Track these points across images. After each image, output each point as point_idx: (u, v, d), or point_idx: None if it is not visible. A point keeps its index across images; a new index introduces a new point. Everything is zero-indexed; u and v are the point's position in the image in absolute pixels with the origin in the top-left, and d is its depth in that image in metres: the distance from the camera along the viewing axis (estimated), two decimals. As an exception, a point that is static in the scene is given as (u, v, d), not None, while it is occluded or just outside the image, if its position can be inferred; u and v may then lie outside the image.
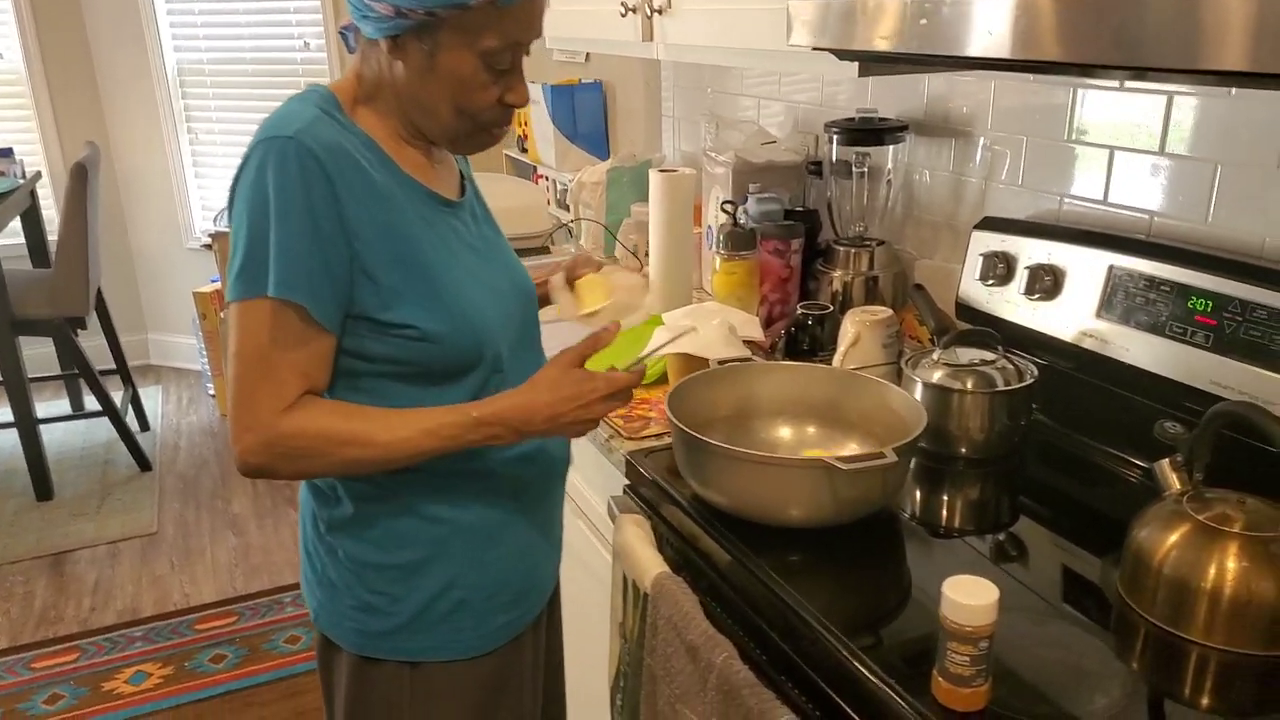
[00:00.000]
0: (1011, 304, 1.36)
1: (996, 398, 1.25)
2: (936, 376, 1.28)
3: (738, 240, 1.66)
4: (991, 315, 1.40)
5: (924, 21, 0.94)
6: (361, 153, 0.97)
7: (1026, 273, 1.32)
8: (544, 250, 2.19)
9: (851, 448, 1.21)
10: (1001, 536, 1.10)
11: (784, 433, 1.26)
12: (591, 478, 1.54)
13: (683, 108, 2.42)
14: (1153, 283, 1.18)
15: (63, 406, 3.99)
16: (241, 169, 0.94)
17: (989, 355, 1.30)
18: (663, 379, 1.54)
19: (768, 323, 1.69)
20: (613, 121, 2.78)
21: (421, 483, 1.03)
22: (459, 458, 1.02)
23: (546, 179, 2.79)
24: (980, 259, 1.40)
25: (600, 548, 1.51)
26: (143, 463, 3.50)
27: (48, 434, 3.60)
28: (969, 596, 0.77)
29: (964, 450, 1.26)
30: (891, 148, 1.67)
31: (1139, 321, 1.18)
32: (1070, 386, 1.28)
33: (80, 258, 3.27)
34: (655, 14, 1.67)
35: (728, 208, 1.74)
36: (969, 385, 1.26)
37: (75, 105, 4.12)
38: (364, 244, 0.95)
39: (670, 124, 2.49)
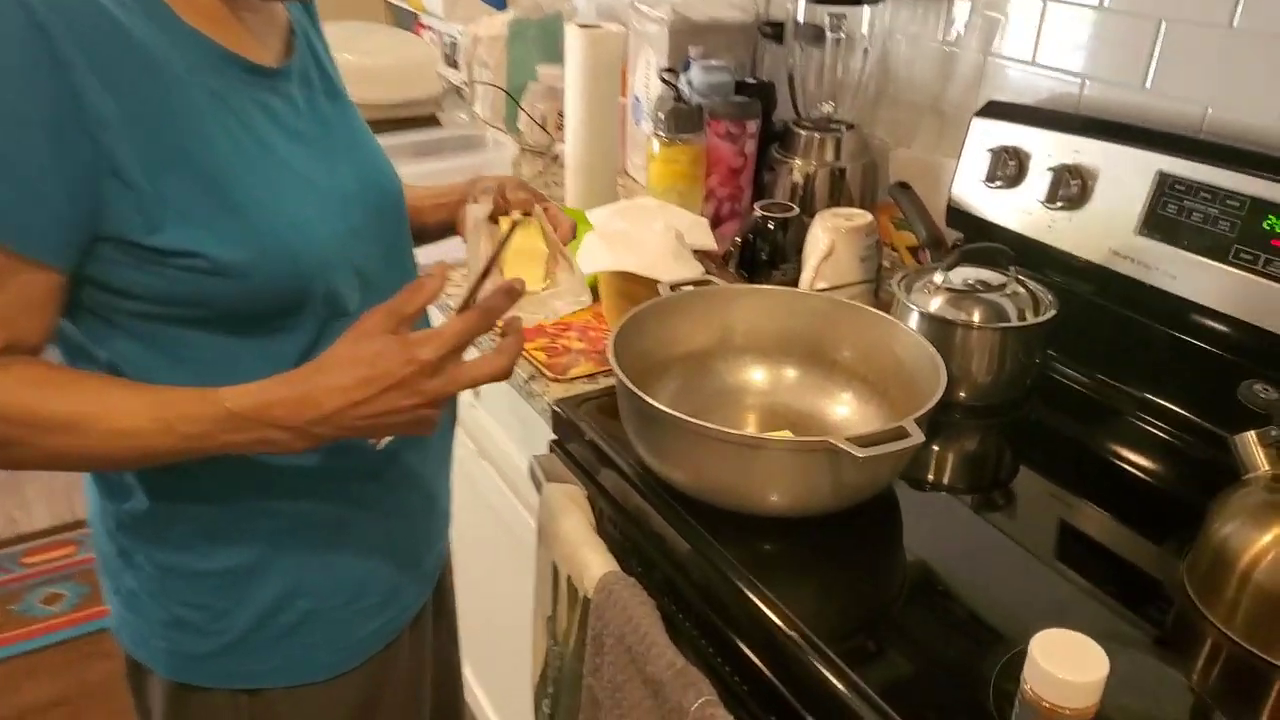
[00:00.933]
0: (1024, 213, 1.12)
1: (1009, 334, 1.02)
2: (936, 305, 1.04)
3: (682, 120, 1.35)
4: (995, 225, 1.15)
5: None
6: None
7: (1050, 176, 1.07)
8: (431, 121, 1.83)
9: (845, 400, 0.97)
10: (1020, 509, 0.88)
11: (756, 376, 1.01)
12: (508, 423, 1.27)
13: (602, -50, 2.03)
14: (1215, 194, 0.94)
15: None
16: None
17: (996, 277, 1.06)
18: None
19: (715, 223, 1.41)
20: (515, -36, 2.35)
21: (237, 464, 0.74)
22: None
23: (431, 31, 2.36)
24: (988, 155, 1.14)
25: (521, 509, 1.25)
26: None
27: None
28: (1072, 668, 0.55)
29: (963, 395, 1.03)
30: (868, 8, 1.37)
31: (1194, 243, 0.95)
32: (1097, 320, 1.06)
33: None
34: None
35: (668, 77, 1.42)
36: (975, 318, 1.02)
37: None
38: (115, 135, 0.62)
39: (586, -30, 2.10)
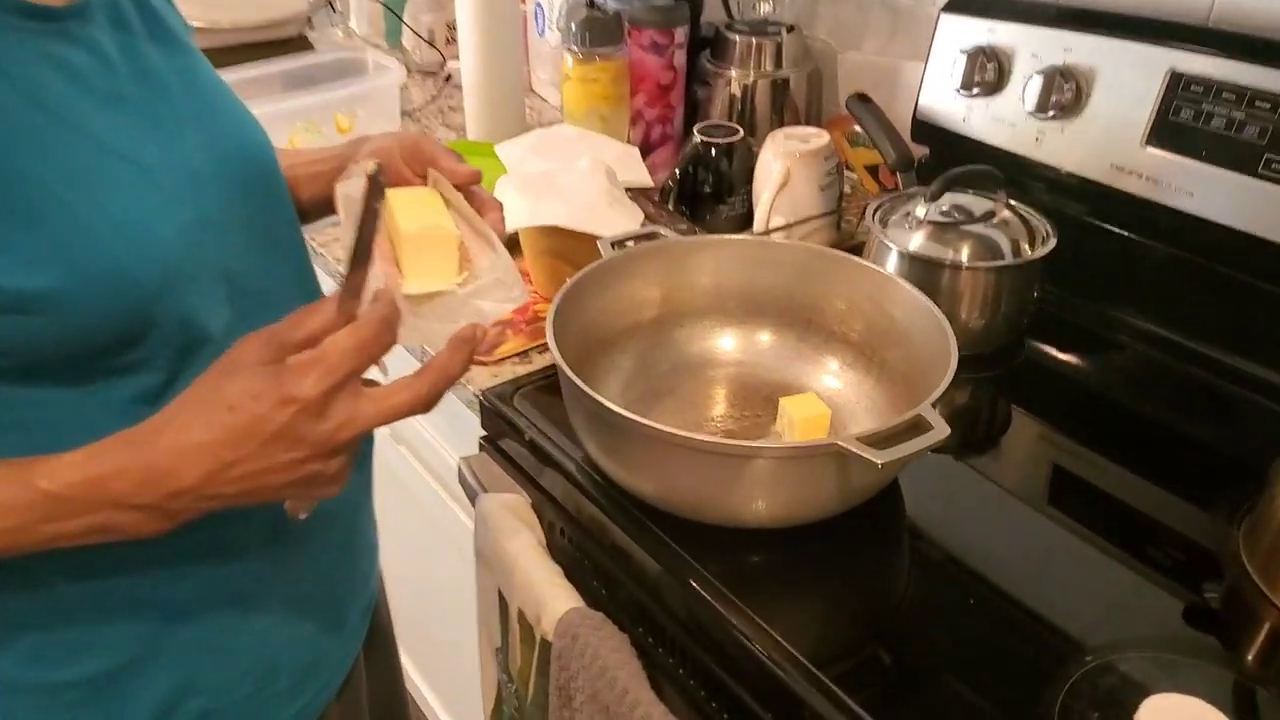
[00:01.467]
0: (1007, 124, 0.97)
1: (1005, 273, 0.88)
2: (918, 242, 0.89)
3: (599, 31, 1.15)
4: (971, 139, 1.01)
5: None
6: None
7: (1037, 80, 0.92)
8: (299, 44, 1.56)
9: (832, 369, 0.82)
10: (1039, 475, 0.76)
11: (724, 343, 0.85)
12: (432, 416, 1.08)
13: None
14: (1241, 95, 0.81)
15: None
16: None
17: (982, 204, 0.91)
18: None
19: (645, 151, 1.23)
20: None
21: (93, 551, 0.55)
22: None
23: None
24: (960, 57, 0.98)
25: (454, 508, 1.08)
26: None
27: None
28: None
29: (954, 343, 0.90)
30: (802, -113, 1.18)
31: (1214, 153, 0.82)
32: (1097, 247, 0.93)
33: None
34: None
35: (577, -19, 1.21)
36: (965, 255, 0.88)
37: None
38: None
39: None
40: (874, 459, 0.58)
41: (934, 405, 0.63)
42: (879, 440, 0.60)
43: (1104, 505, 0.74)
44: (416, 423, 1.09)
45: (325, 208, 0.70)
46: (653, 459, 0.67)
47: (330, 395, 0.49)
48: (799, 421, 0.70)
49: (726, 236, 0.88)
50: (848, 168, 1.19)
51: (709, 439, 0.60)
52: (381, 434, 1.17)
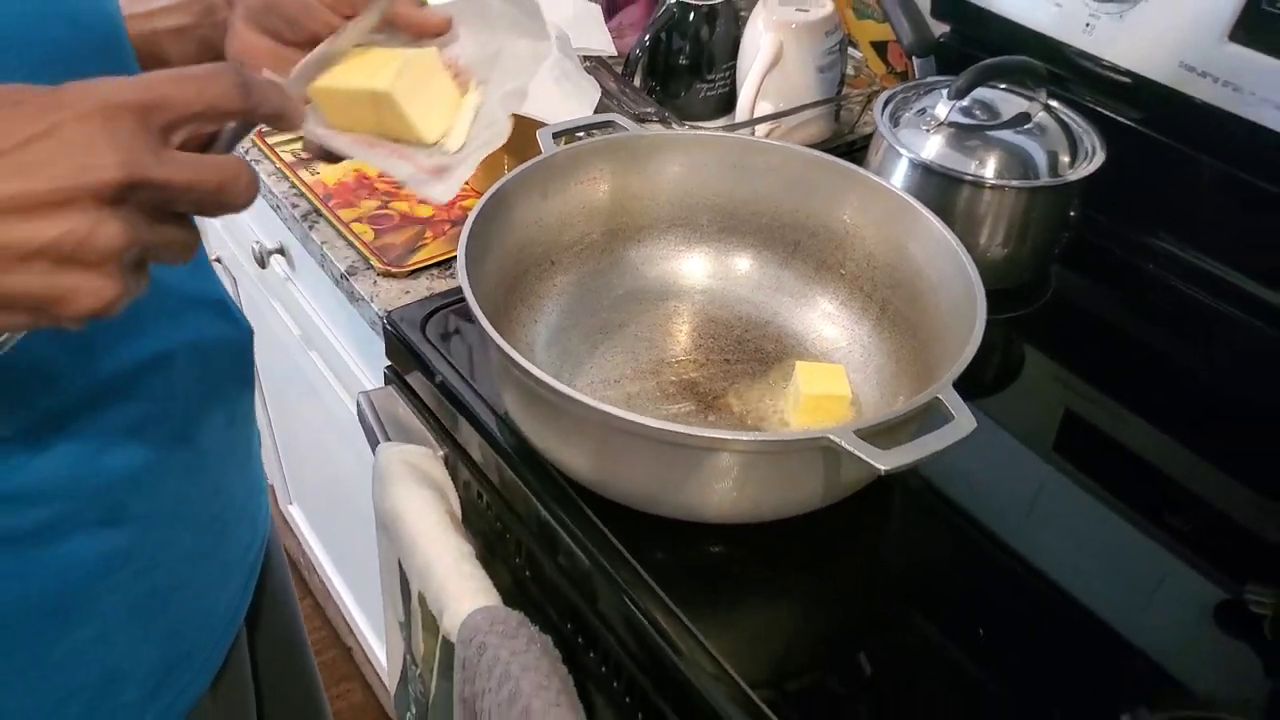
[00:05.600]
0: (1051, 5, 0.78)
1: (1038, 196, 0.72)
2: (935, 149, 0.72)
3: None
4: (1006, 20, 0.82)
5: None
6: None
7: (1100, -52, 0.73)
8: None
9: (824, 309, 0.66)
10: (1070, 444, 0.63)
11: (691, 268, 0.69)
12: (337, 319, 0.91)
13: None
14: (1362, -15, 0.63)
15: None
16: None
17: (1016, 103, 0.74)
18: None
19: (610, 11, 1.02)
20: None
21: None
22: None
23: None
24: (1004, -86, 0.79)
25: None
26: None
27: None
28: None
29: (967, 273, 0.74)
30: None
31: (1317, 59, 0.65)
32: (1151, 165, 0.76)
33: None
34: None
35: None
36: (990, 170, 0.71)
37: None
38: None
39: None
40: (877, 465, 0.44)
41: (952, 383, 0.48)
42: (884, 436, 0.45)
43: (1138, 473, 0.60)
44: (327, 331, 0.93)
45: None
46: (590, 439, 0.51)
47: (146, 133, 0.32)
48: (806, 400, 0.56)
49: (700, 132, 0.70)
50: (851, 44, 1.00)
51: (662, 425, 0.45)
52: (291, 336, 1.01)
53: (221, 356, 0.54)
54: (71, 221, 0.30)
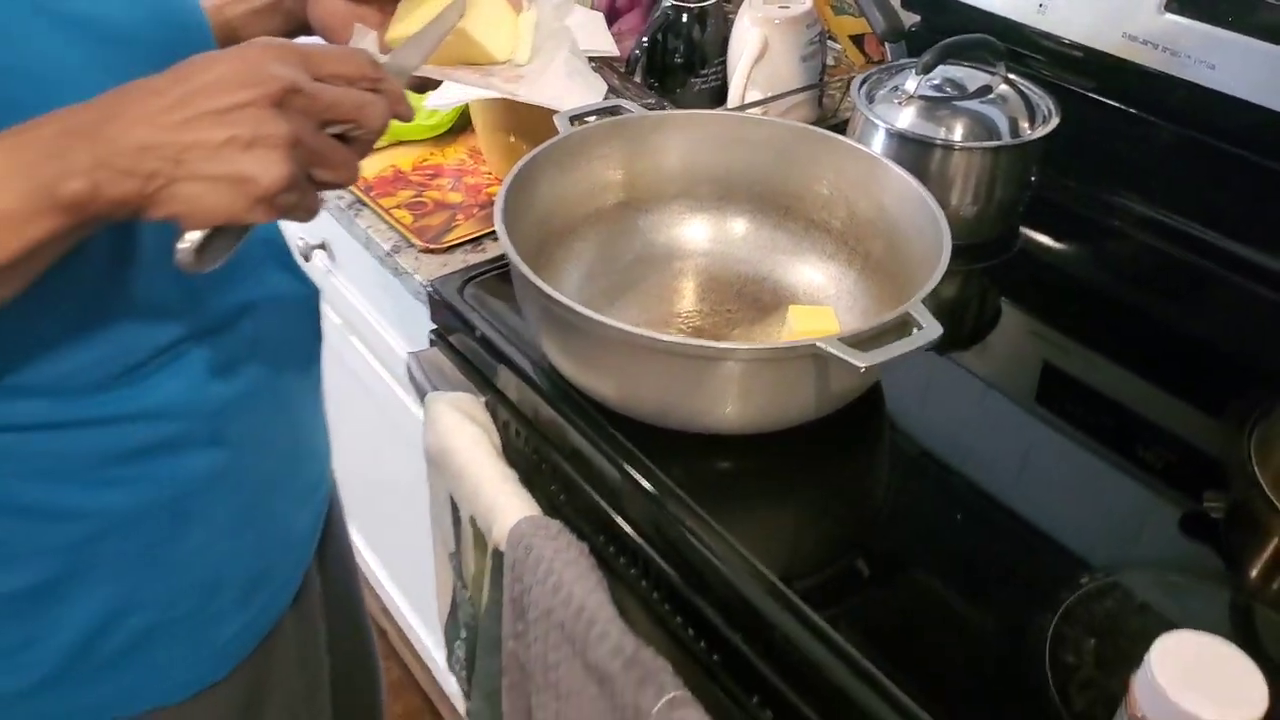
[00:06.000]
0: (1010, -10, 0.88)
1: (1002, 155, 0.80)
2: (908, 119, 0.81)
3: (560, -122, 1.03)
4: (968, 6, 0.91)
5: None
6: None
7: (1046, -64, 0.83)
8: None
9: (812, 262, 0.75)
10: (1030, 374, 0.71)
11: (692, 232, 0.78)
12: (377, 299, 1.01)
13: None
14: (1273, -45, 0.72)
15: None
16: None
17: (977, 77, 0.83)
18: (460, 128, 0.98)
19: (611, 17, 1.12)
20: None
21: (6, 453, 0.50)
22: (76, 389, 0.49)
23: None
24: (961, -89, 0.88)
25: (407, 402, 1.01)
26: None
27: None
28: (1220, 700, 0.38)
29: (944, 231, 0.83)
30: None
31: (1245, 20, 0.74)
32: (1103, 126, 0.85)
33: None
34: None
35: None
36: (958, 134, 0.80)
37: None
38: None
39: None
40: (856, 362, 0.52)
41: (924, 302, 0.57)
42: (862, 341, 0.54)
43: (1101, 408, 0.69)
44: (368, 314, 1.02)
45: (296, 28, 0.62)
46: (613, 360, 0.60)
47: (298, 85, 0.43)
48: (799, 336, 0.64)
49: (697, 111, 0.79)
50: (831, 38, 1.10)
51: (674, 339, 0.54)
52: (333, 324, 1.10)
53: (296, 309, 0.63)
54: (249, 117, 0.41)
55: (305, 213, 0.45)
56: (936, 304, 0.70)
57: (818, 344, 0.53)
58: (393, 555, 1.34)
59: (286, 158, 0.41)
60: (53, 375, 0.49)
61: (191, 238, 0.43)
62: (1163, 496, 0.62)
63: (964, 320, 0.79)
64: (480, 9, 0.58)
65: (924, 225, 0.65)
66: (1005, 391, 0.71)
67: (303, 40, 0.51)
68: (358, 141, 0.46)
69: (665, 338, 0.54)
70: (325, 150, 0.44)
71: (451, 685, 1.28)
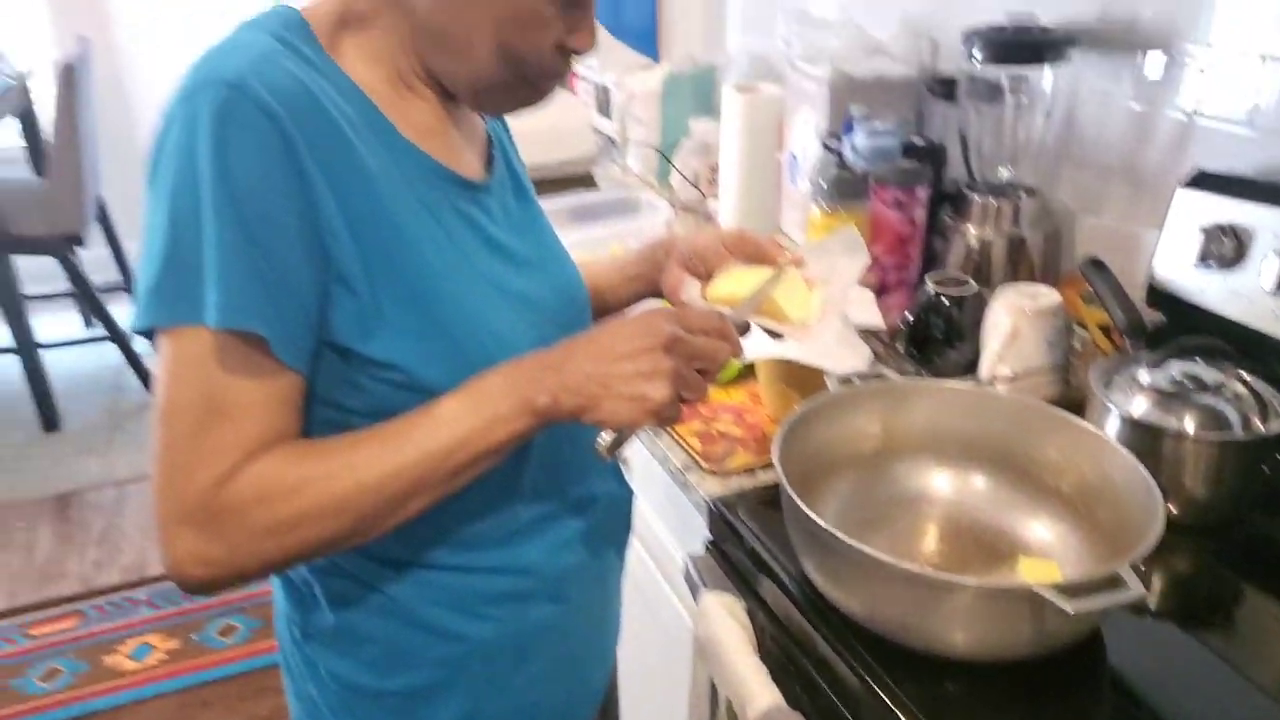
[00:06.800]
0: (1244, 299, 0.99)
1: (1232, 448, 0.89)
2: (1142, 408, 0.92)
3: (846, 188, 1.28)
4: (1206, 311, 1.03)
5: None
6: (339, 106, 0.63)
7: (1278, 260, 0.94)
8: (586, 181, 1.82)
9: (1042, 520, 0.87)
10: (1255, 645, 0.76)
11: (938, 482, 0.92)
12: (662, 509, 1.22)
13: None
14: None
15: (75, 323, 3.73)
16: (162, 134, 0.60)
17: (1212, 375, 0.94)
18: (743, 376, 1.20)
19: (879, 293, 1.33)
20: (663, 11, 2.33)
21: (424, 583, 0.72)
22: (476, 544, 0.71)
23: (585, 81, 2.37)
24: (1198, 233, 1.02)
25: (678, 605, 1.19)
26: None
27: (56, 357, 3.34)
28: None
29: (1174, 511, 0.91)
30: (1049, 66, 1.26)
31: None
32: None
33: (73, 169, 2.94)
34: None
35: (830, 143, 1.35)
36: (1190, 426, 0.90)
37: (68, -8, 3.70)
38: (342, 244, 0.62)
39: (736, 17, 2.06)
40: (1065, 607, 0.64)
41: (1133, 566, 0.68)
42: (1073, 590, 0.65)
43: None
44: (650, 519, 1.22)
45: (634, 303, 0.90)
46: (862, 580, 0.75)
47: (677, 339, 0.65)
48: None
49: (946, 383, 0.96)
50: (1081, 325, 1.23)
51: (917, 567, 0.68)
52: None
53: (620, 505, 0.84)
54: (650, 358, 0.63)
55: (675, 421, 0.66)
56: (1169, 575, 0.79)
57: (1034, 587, 0.66)
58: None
59: (670, 384, 0.63)
60: (470, 533, 0.72)
61: (606, 436, 0.65)
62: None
63: (1194, 593, 0.85)
64: (786, 286, 0.80)
65: (1142, 499, 0.76)
66: (1236, 666, 0.76)
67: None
68: (708, 372, 0.67)
69: (910, 565, 0.68)
70: (692, 379, 0.65)
71: None
